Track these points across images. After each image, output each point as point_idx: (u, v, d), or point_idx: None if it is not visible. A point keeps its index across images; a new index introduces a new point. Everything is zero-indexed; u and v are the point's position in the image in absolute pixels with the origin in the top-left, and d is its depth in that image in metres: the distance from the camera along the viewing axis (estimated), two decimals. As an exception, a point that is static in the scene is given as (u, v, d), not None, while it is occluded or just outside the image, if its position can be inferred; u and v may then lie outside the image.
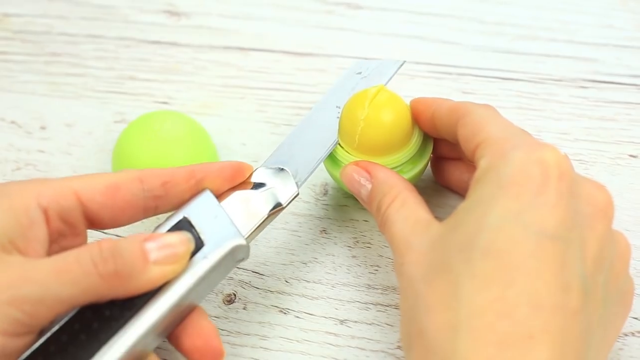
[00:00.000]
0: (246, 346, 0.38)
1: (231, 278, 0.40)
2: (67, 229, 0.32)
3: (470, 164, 0.38)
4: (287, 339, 0.38)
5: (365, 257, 0.41)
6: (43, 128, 0.49)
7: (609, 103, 0.48)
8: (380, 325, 0.38)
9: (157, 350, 0.33)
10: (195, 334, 0.33)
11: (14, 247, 0.30)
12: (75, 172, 0.46)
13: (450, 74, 0.50)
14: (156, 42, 0.54)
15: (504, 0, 0.54)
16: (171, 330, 0.33)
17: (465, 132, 0.34)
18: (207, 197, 0.34)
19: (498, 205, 0.29)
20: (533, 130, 0.45)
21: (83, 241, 0.34)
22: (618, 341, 0.37)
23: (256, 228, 0.35)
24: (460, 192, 0.42)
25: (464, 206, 0.31)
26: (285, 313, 0.39)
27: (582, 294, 0.28)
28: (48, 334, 0.30)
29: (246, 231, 0.35)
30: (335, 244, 0.42)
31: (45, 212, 0.31)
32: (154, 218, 0.36)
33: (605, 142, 0.46)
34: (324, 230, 0.42)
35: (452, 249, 0.30)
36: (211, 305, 0.39)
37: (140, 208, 0.33)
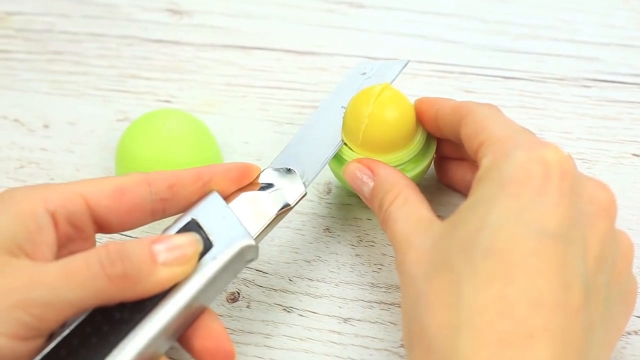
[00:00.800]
0: (250, 344, 0.38)
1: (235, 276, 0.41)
2: (75, 233, 0.32)
3: (473, 164, 0.38)
4: (291, 337, 0.38)
5: (368, 255, 0.41)
6: (46, 126, 0.49)
7: (612, 102, 0.48)
8: (384, 324, 0.38)
9: (168, 351, 0.33)
10: (206, 335, 0.33)
11: (22, 251, 0.30)
12: (78, 170, 0.46)
13: (452, 72, 0.50)
14: (158, 41, 0.54)
15: (506, -1, 0.55)
16: (182, 332, 0.33)
17: (468, 131, 0.34)
18: (214, 199, 0.34)
19: (499, 204, 0.30)
20: (535, 130, 0.45)
21: (92, 245, 0.34)
22: (621, 340, 0.37)
23: (265, 228, 0.35)
24: (464, 192, 0.42)
25: (465, 205, 0.31)
26: (288, 311, 0.39)
27: (584, 293, 0.29)
28: (59, 338, 0.30)
29: (255, 232, 0.35)
30: (339, 242, 0.42)
31: (53, 217, 0.31)
32: (162, 220, 0.36)
33: (607, 141, 0.46)
34: (327, 229, 0.42)
35: (454, 248, 0.30)
36: (215, 303, 0.39)
37: (147, 211, 0.33)
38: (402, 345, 0.38)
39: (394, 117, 0.38)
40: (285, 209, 0.36)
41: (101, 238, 0.34)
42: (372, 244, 0.41)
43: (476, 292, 0.28)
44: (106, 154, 0.47)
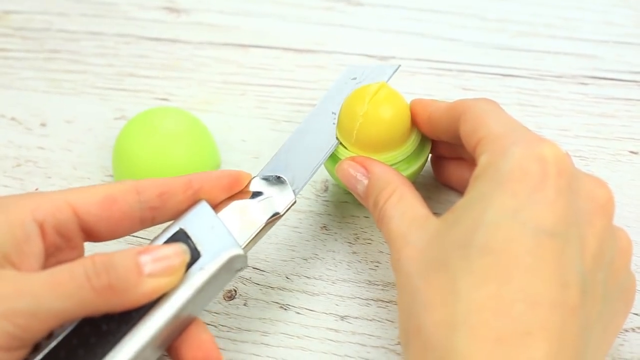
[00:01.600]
0: (247, 342, 0.38)
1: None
2: (63, 242, 0.32)
3: (471, 163, 0.38)
4: (288, 335, 0.38)
5: (365, 253, 0.41)
6: (43, 125, 0.49)
7: (609, 99, 0.48)
8: (381, 322, 0.38)
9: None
10: (195, 346, 0.33)
11: (8, 261, 0.30)
12: (76, 169, 0.46)
13: (450, 70, 0.50)
14: (156, 39, 0.54)
15: (504, -4, 0.54)
16: (170, 342, 0.33)
17: (467, 127, 0.34)
18: (203, 208, 0.34)
19: (496, 202, 0.29)
20: (533, 127, 0.45)
21: (80, 254, 0.33)
22: (619, 337, 0.37)
23: (253, 237, 0.35)
24: (461, 191, 0.41)
25: (462, 202, 0.31)
26: (285, 309, 0.39)
27: (581, 291, 0.28)
28: (46, 350, 0.30)
29: (243, 241, 0.34)
30: (336, 240, 0.42)
31: (41, 226, 0.31)
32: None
33: (605, 138, 0.46)
34: (324, 227, 0.42)
35: (450, 246, 0.30)
36: (212, 301, 0.39)
37: (137, 219, 0.33)
38: (399, 343, 0.37)
39: (389, 116, 0.38)
40: (275, 217, 0.36)
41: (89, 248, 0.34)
42: (369, 241, 0.41)
43: (472, 290, 0.28)
44: (104, 152, 0.47)
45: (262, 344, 0.38)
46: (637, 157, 0.44)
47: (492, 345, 0.27)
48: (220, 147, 0.46)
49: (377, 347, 0.37)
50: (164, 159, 0.42)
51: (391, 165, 0.38)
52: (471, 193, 0.31)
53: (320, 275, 0.40)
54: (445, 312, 0.28)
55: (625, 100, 0.47)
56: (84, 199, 0.32)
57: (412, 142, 0.39)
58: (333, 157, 0.39)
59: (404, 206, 0.34)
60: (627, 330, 0.37)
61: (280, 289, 0.40)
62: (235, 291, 0.40)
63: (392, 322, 0.38)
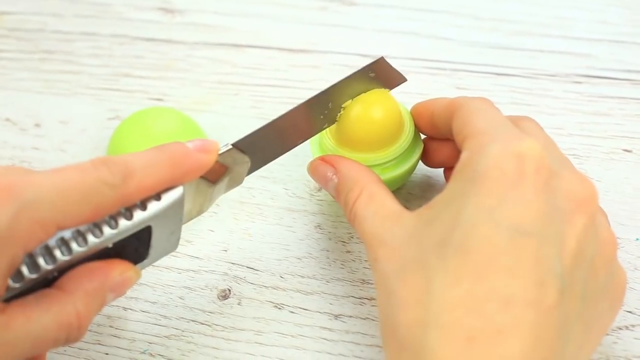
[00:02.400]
0: (241, 341, 0.38)
1: (226, 274, 0.40)
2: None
3: None
4: (282, 334, 0.38)
5: (359, 252, 0.41)
6: (37, 125, 0.49)
7: (603, 98, 0.48)
8: (375, 320, 0.38)
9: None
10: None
11: None
12: (70, 169, 0.46)
13: (444, 69, 0.50)
14: (150, 39, 0.54)
15: (498, -4, 0.54)
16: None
17: (457, 124, 0.34)
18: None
19: (472, 200, 0.29)
20: (527, 125, 0.45)
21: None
22: (612, 335, 0.37)
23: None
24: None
25: (439, 199, 0.31)
26: (279, 308, 0.39)
27: (558, 290, 0.28)
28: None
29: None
30: (330, 239, 0.42)
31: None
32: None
33: (599, 136, 0.46)
34: (318, 226, 0.42)
35: (427, 245, 0.30)
36: (206, 300, 0.39)
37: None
38: (393, 342, 0.37)
39: (377, 116, 0.38)
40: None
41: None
42: (364, 240, 0.41)
43: (446, 289, 0.28)
44: (98, 152, 0.47)
45: (256, 343, 0.38)
46: (630, 156, 0.44)
47: (463, 344, 0.27)
48: (214, 147, 0.46)
49: (370, 345, 0.37)
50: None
51: (380, 164, 0.38)
52: (448, 190, 0.31)
53: (314, 275, 0.40)
54: (418, 312, 0.28)
55: (619, 99, 0.47)
56: (71, 220, 0.29)
57: (403, 143, 0.39)
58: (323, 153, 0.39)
59: (375, 205, 0.34)
60: (620, 328, 0.37)
61: (274, 288, 0.40)
62: (229, 290, 0.40)
63: (386, 320, 0.38)
